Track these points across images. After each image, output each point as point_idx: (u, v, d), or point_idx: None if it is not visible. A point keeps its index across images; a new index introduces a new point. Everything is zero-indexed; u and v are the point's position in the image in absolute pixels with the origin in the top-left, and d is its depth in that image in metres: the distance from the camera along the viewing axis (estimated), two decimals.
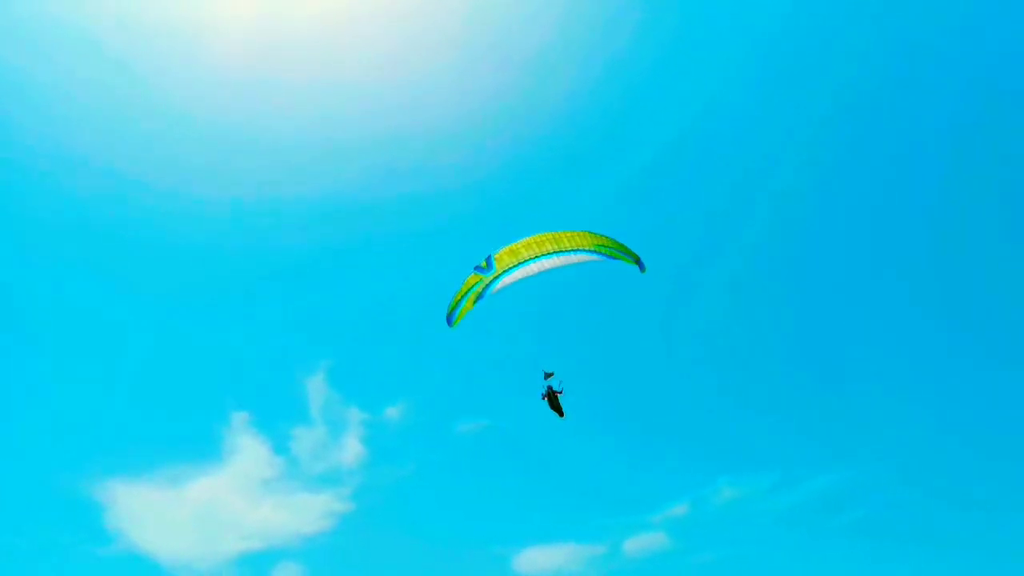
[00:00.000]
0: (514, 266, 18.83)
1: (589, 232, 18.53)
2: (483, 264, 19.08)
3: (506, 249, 18.97)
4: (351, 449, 71.58)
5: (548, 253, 18.53)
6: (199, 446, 70.31)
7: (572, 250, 18.47)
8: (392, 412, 73.13)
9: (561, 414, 22.11)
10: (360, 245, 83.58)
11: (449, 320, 19.97)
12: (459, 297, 19.52)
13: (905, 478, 54.71)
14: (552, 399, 21.94)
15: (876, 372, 62.59)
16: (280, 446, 71.89)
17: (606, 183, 77.06)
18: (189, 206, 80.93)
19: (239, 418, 72.37)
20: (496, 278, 18.95)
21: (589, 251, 18.47)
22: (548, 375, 21.61)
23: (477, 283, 19.17)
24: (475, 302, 19.35)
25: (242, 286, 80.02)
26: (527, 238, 18.82)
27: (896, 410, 58.66)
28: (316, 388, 74.53)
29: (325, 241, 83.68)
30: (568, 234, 18.49)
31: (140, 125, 78.17)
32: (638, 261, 18.42)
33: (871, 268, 67.98)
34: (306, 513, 68.62)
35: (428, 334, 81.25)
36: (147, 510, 64.24)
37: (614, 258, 18.61)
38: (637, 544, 60.13)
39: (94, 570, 59.12)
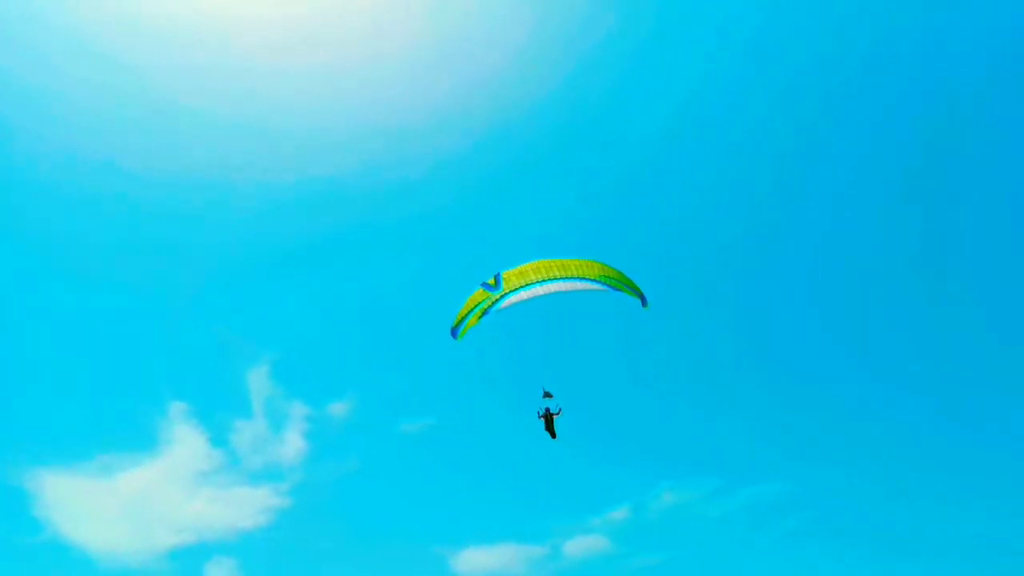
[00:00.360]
0: (521, 287, 20.23)
1: (596, 262, 20.11)
2: (491, 282, 20.40)
3: (515, 270, 20.37)
4: (292, 444, 70.94)
5: (555, 278, 20.04)
6: (134, 436, 68.34)
7: (578, 278, 20.03)
8: (337, 408, 72.82)
9: (553, 436, 23.24)
10: (312, 239, 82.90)
11: (454, 333, 21.17)
12: (465, 311, 20.78)
13: (841, 488, 57.23)
14: (548, 420, 23.03)
15: (819, 383, 64.90)
16: (219, 438, 70.52)
17: (569, 185, 77.72)
18: (133, 193, 78.68)
19: (177, 408, 70.71)
20: (503, 296, 20.32)
21: (594, 280, 20.04)
22: (547, 395, 22.69)
23: (484, 300, 20.51)
24: (480, 318, 20.66)
25: (187, 275, 78.12)
26: (536, 261, 20.30)
27: (835, 421, 61.36)
28: (259, 381, 73.46)
29: (276, 233, 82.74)
30: (576, 262, 20.03)
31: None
32: (641, 296, 20.04)
33: (818, 279, 70.25)
34: (243, 507, 67.61)
35: (377, 331, 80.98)
36: (77, 500, 62.25)
37: (618, 290, 20.15)
38: (577, 546, 60.88)
39: (20, 558, 57.04)
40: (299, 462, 70.56)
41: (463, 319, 20.93)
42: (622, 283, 20.24)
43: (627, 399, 67.95)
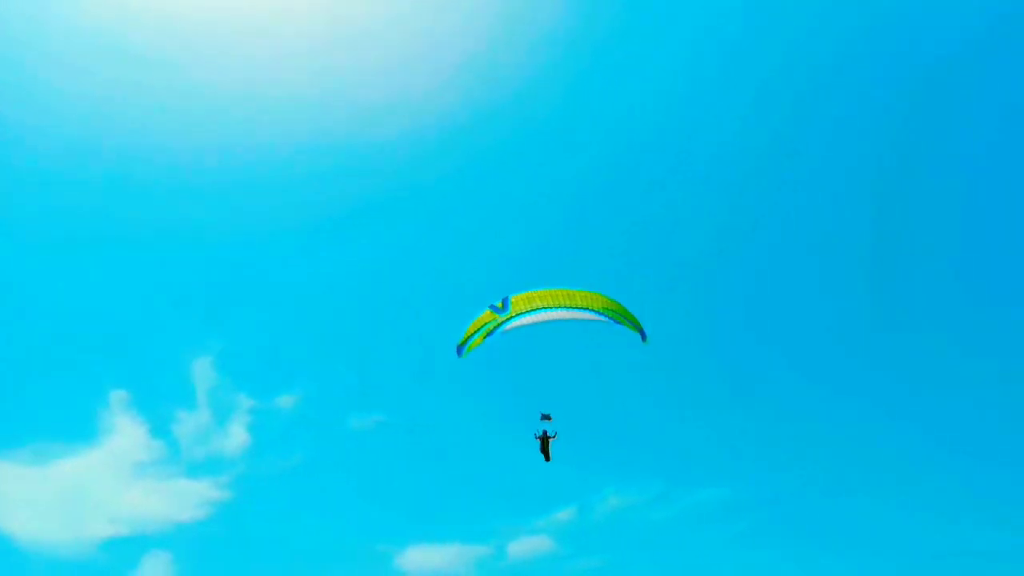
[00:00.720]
0: (528, 311, 21.67)
1: (600, 294, 21.72)
2: (499, 305, 21.80)
3: (523, 295, 21.82)
4: (236, 436, 70.24)
5: (560, 306, 21.57)
6: (71, 423, 66.40)
7: (583, 308, 21.60)
8: (284, 401, 72.35)
9: (547, 458, 24.30)
10: (262, 227, 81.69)
11: (459, 351, 22.38)
12: (472, 331, 22.10)
13: (783, 493, 59.33)
14: (544, 442, 24.20)
15: (762, 389, 66.33)
16: (159, 428, 69.16)
17: (532, 181, 78.31)
18: (75, 168, 76.15)
19: (118, 397, 69.06)
20: (509, 319, 21.74)
21: (598, 312, 21.64)
22: (545, 417, 23.89)
23: (491, 321, 21.86)
24: (485, 338, 22.00)
25: (132, 259, 76.14)
26: (543, 289, 21.80)
27: (778, 426, 62.87)
28: (203, 371, 72.38)
29: (227, 217, 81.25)
30: (581, 293, 21.60)
31: None
32: (641, 331, 21.73)
33: (757, 287, 72.09)
34: (181, 500, 66.57)
35: (327, 324, 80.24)
36: (7, 487, 60.25)
37: (619, 323, 21.80)
38: (521, 547, 61.57)
39: None
40: (241, 455, 69.79)
41: (469, 338, 22.25)
42: (624, 317, 21.91)
43: (576, 402, 69.61)
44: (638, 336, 21.78)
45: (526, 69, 75.63)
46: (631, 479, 62.63)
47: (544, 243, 78.63)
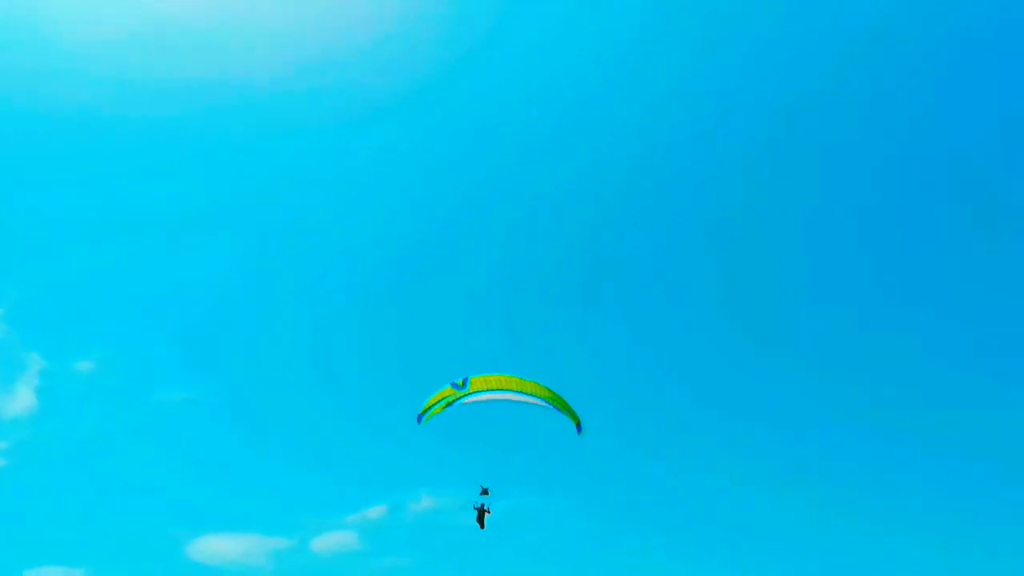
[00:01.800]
0: (484, 390, 25.75)
1: (548, 388, 26.38)
2: (460, 383, 25.64)
3: (481, 377, 25.90)
4: (22, 399, 64.16)
5: (513, 390, 25.93)
6: None
7: (531, 394, 26.15)
8: (82, 365, 67.10)
9: (483, 527, 28.20)
10: (77, 170, 73.49)
11: (419, 419, 25.75)
12: (433, 402, 25.74)
13: (584, 504, 61.93)
14: (480, 514, 28.14)
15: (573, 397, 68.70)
16: None
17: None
18: None
19: None
20: (467, 395, 25.65)
21: (543, 399, 26.27)
22: (484, 492, 27.91)
23: (451, 396, 25.64)
24: (444, 409, 25.69)
25: None
26: (500, 375, 26.01)
27: (581, 442, 65.98)
28: None
29: (32, 160, 72.53)
30: (531, 384, 26.16)
31: None
32: (578, 424, 26.67)
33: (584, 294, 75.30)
34: None
35: (142, 283, 74.07)
36: None
37: (561, 411, 26.59)
38: (326, 542, 60.59)
39: None
40: (26, 419, 63.99)
41: (429, 408, 25.84)
42: (565, 409, 26.87)
43: (398, 403, 70.58)
44: (575, 427, 26.89)
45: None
46: (446, 482, 61.38)
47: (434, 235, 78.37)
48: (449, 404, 26.00)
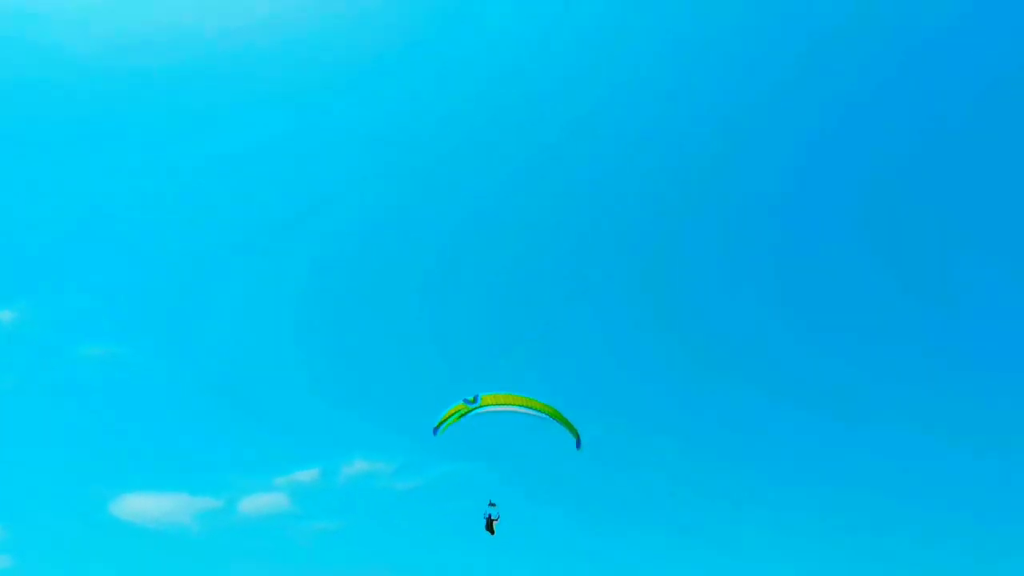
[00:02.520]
0: (493, 405, 28.32)
1: (550, 405, 29.20)
2: (471, 399, 28.11)
3: (492, 395, 28.44)
4: None
5: (520, 405, 28.61)
6: None
7: (536, 410, 28.88)
8: (3, 315, 63.79)
9: (492, 533, 30.63)
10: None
11: (435, 431, 28.04)
12: (447, 417, 28.26)
13: (507, 474, 61.66)
14: (489, 522, 30.57)
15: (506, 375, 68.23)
16: None
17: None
18: None
19: None
20: (478, 408, 28.18)
21: (546, 415, 28.99)
22: (492, 504, 30.44)
23: (463, 410, 28.11)
24: (457, 420, 28.13)
25: None
26: (508, 393, 28.59)
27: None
28: None
29: None
30: (536, 401, 28.94)
31: None
32: (578, 439, 29.56)
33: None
34: None
35: (67, 234, 69.59)
36: None
37: (563, 426, 29.43)
38: (255, 503, 60.41)
39: None
40: None
41: (444, 422, 28.26)
42: (566, 424, 29.85)
43: (334, 364, 70.91)
44: (574, 441, 29.95)
45: None
46: (380, 446, 62.72)
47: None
48: (461, 416, 28.54)
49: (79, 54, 67.68)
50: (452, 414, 28.73)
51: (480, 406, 28.49)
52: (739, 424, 68.04)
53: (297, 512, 60.97)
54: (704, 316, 74.74)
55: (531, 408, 29.13)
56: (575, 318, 74.65)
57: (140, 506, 61.48)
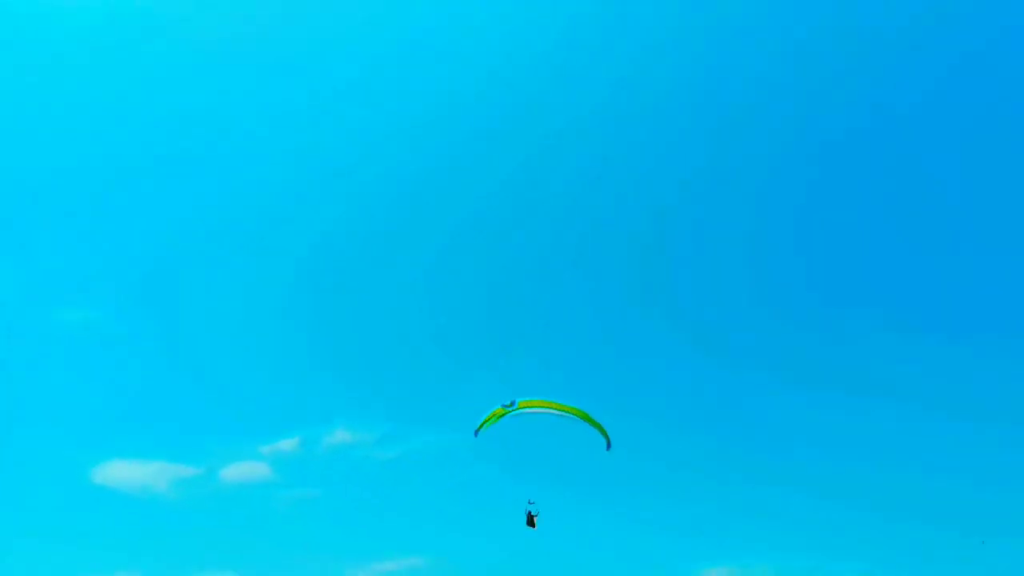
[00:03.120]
0: (529, 408, 30.26)
1: (581, 409, 31.05)
2: (509, 404, 29.98)
3: (527, 400, 30.33)
4: None
5: (553, 409, 30.58)
6: None
7: (569, 414, 30.81)
8: None
9: (533, 527, 32.52)
10: None
11: (476, 433, 29.87)
12: (488, 420, 30.04)
13: (480, 446, 64.55)
14: (530, 519, 32.45)
15: (484, 351, 69.30)
16: None
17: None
18: None
19: None
20: (514, 411, 30.07)
21: (578, 417, 30.90)
22: (531, 503, 32.60)
23: (501, 413, 29.92)
24: (496, 421, 30.03)
25: None
26: (541, 399, 30.51)
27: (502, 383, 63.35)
28: None
29: None
30: (571, 407, 30.90)
31: None
32: (607, 440, 31.50)
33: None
34: None
35: (44, 195, 66.74)
36: None
37: (595, 428, 31.37)
38: (236, 471, 60.66)
39: None
40: None
41: (485, 424, 30.11)
42: (597, 426, 31.84)
43: (317, 333, 70.52)
44: (604, 442, 32.01)
45: None
46: (362, 416, 63.18)
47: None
48: (499, 418, 30.48)
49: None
50: (492, 417, 30.56)
51: (518, 409, 30.35)
52: (740, 410, 69.14)
53: (278, 480, 61.52)
54: (703, 308, 75.32)
55: (563, 411, 31.09)
56: (561, 298, 76.06)
57: (122, 473, 61.31)
